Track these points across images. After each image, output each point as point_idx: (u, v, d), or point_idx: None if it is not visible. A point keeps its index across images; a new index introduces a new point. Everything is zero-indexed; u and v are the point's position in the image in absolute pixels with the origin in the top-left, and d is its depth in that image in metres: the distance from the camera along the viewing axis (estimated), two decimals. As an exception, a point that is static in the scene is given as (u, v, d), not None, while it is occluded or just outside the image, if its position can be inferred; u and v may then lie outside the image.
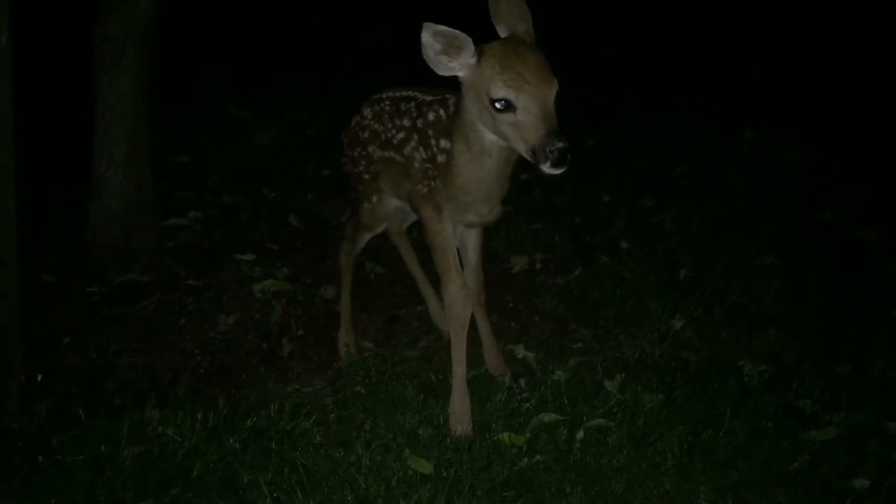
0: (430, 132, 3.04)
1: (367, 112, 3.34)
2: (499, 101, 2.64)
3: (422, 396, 3.25)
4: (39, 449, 2.89)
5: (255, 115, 5.83)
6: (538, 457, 2.96)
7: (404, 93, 3.24)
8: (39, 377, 3.32)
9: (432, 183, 3.06)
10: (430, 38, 2.65)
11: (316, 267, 4.18)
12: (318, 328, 3.77)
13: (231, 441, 2.96)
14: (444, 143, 3.00)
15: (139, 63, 3.95)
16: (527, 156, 2.67)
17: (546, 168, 2.60)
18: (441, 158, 3.01)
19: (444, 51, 2.68)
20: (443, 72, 2.72)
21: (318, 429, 3.10)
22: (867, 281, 4.07)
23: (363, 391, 3.32)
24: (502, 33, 2.81)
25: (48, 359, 3.47)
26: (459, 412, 3.09)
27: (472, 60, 2.70)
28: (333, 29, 7.45)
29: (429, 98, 3.12)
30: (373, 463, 2.91)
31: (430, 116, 3.06)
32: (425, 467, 2.87)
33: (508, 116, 2.64)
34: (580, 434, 3.04)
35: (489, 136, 2.81)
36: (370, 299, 3.99)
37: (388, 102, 3.27)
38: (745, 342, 3.63)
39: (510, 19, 2.80)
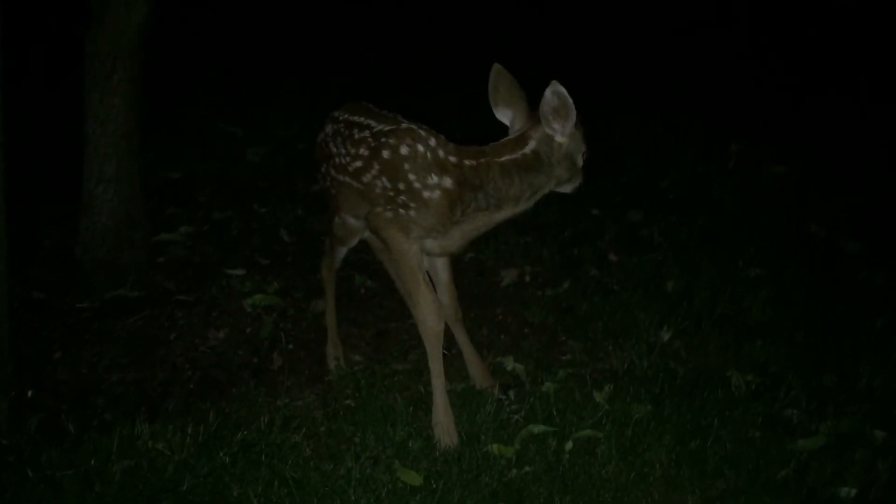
0: (407, 166, 2.96)
1: (329, 129, 3.29)
2: (586, 151, 3.11)
3: (411, 409, 3.26)
4: (29, 463, 2.89)
5: (246, 131, 5.84)
6: (527, 468, 2.97)
7: (356, 118, 3.18)
8: (30, 392, 3.32)
9: (401, 210, 3.01)
10: (550, 94, 2.87)
11: (306, 281, 4.18)
12: (309, 342, 3.78)
13: (221, 455, 2.96)
14: (435, 178, 2.96)
15: (129, 79, 3.97)
16: (573, 187, 3.19)
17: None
18: (430, 194, 2.96)
19: (554, 112, 2.91)
20: (546, 128, 2.97)
21: (307, 442, 3.11)
22: (853, 291, 4.11)
23: (353, 404, 3.33)
24: (503, 118, 3.08)
25: (38, 374, 3.47)
26: (444, 423, 3.10)
27: (573, 131, 2.99)
28: (324, 45, 7.49)
29: (386, 127, 3.06)
30: (362, 475, 2.92)
31: (403, 150, 2.97)
32: (415, 479, 2.89)
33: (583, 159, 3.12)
34: (569, 445, 3.06)
35: (548, 190, 3.11)
36: (360, 313, 4.00)
37: (342, 124, 3.22)
38: (733, 353, 3.66)
39: (510, 103, 3.06)
